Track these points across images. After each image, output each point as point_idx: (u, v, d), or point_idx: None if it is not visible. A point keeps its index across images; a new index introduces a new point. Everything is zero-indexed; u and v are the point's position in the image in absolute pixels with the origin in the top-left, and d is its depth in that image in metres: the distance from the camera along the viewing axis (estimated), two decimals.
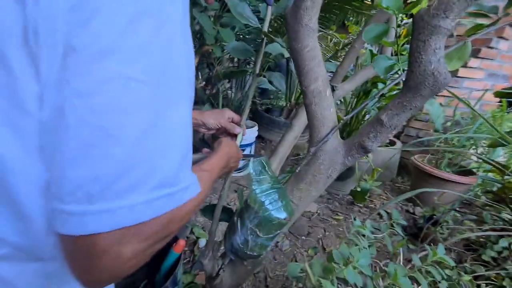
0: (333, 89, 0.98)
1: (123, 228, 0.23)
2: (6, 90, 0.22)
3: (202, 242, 1.32)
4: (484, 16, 0.76)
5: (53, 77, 0.21)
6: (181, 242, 0.80)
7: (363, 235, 0.74)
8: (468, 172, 1.81)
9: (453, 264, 0.57)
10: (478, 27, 0.75)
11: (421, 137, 2.32)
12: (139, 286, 0.85)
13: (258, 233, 0.58)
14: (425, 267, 0.59)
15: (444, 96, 2.17)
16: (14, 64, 0.21)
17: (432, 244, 1.11)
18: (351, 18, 2.30)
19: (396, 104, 0.52)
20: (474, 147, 1.89)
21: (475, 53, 2.05)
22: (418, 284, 0.69)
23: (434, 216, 1.41)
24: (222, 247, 0.83)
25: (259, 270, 1.23)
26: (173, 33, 0.25)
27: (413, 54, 0.48)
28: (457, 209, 1.31)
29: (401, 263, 0.72)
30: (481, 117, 0.79)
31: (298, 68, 0.61)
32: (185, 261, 1.22)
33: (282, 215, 0.58)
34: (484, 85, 2.15)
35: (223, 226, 1.29)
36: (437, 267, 0.59)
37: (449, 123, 2.04)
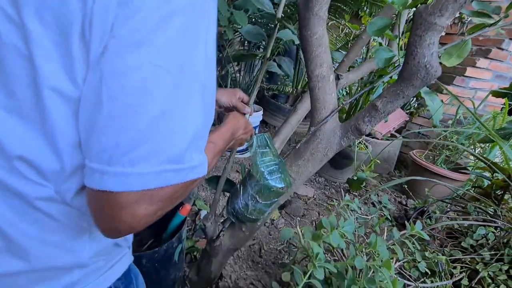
0: (338, 77, 1.03)
1: (136, 191, 0.28)
2: (67, 67, 0.28)
3: (204, 213, 1.41)
4: (487, 16, 0.79)
5: (95, 60, 0.26)
6: (187, 207, 0.89)
7: (355, 210, 0.82)
8: (462, 170, 1.87)
9: (427, 238, 0.64)
10: (480, 26, 0.78)
11: (423, 133, 2.36)
12: (147, 243, 0.95)
13: (257, 199, 0.66)
14: (403, 240, 0.67)
15: (448, 94, 2.19)
16: (74, 51, 0.27)
17: None
18: (365, 9, 2.29)
19: (390, 92, 0.58)
20: (472, 146, 1.94)
21: (485, 54, 2.05)
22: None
23: (424, 208, 1.49)
24: (223, 216, 0.91)
25: (255, 243, 1.32)
26: (198, 38, 0.30)
27: (410, 47, 0.53)
28: (446, 200, 1.38)
29: (384, 238, 0.80)
30: (473, 115, 0.84)
31: (306, 53, 0.66)
32: (187, 229, 1.32)
33: (280, 184, 0.65)
34: (490, 86, 2.16)
35: (223, 201, 1.37)
36: (413, 240, 0.67)
37: (450, 121, 2.08)
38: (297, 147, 0.71)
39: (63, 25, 0.26)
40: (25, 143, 0.30)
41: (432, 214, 1.37)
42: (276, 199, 0.68)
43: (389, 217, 1.01)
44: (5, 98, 0.29)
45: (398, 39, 0.64)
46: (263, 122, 2.71)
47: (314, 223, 1.60)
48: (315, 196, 1.86)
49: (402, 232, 0.67)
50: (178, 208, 0.88)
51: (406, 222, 1.55)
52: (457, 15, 2.10)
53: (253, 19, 1.71)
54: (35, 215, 0.32)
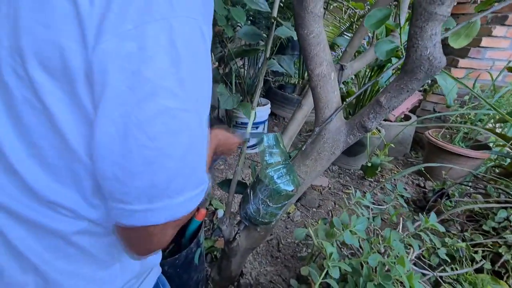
0: (342, 68, 1.00)
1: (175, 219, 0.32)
2: (83, 117, 0.29)
3: (220, 213, 1.44)
4: None
5: (111, 108, 0.27)
6: (202, 211, 0.91)
7: (368, 206, 0.81)
8: (483, 147, 1.79)
9: (443, 230, 0.63)
10: (488, 2, 0.73)
11: (438, 111, 2.27)
12: (168, 248, 0.99)
13: (268, 203, 0.67)
14: (419, 233, 0.66)
15: (463, 68, 2.09)
16: (84, 101, 0.28)
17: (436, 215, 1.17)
18: None
19: (394, 87, 0.56)
20: (492, 120, 1.85)
21: (502, 20, 1.92)
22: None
23: (444, 190, 1.45)
24: (238, 216, 0.94)
25: (272, 237, 1.35)
26: (204, 67, 0.32)
27: (411, 39, 0.51)
28: (464, 183, 1.34)
29: (400, 231, 0.80)
30: (478, 96, 0.80)
31: (305, 52, 0.65)
32: (205, 229, 1.36)
33: (290, 187, 0.66)
34: (509, 56, 2.03)
35: (238, 198, 1.40)
36: (428, 232, 0.66)
37: (467, 97, 1.98)
38: (303, 148, 0.71)
39: (68, 75, 0.27)
40: (54, 190, 0.32)
41: (451, 197, 1.34)
42: (286, 201, 0.68)
43: (404, 204, 1.00)
44: (31, 148, 0.30)
45: (399, 28, 0.61)
46: (272, 114, 2.70)
47: (330, 213, 1.60)
48: (329, 186, 1.85)
49: (417, 224, 0.67)
50: (193, 213, 0.91)
51: (426, 205, 1.53)
52: None
53: (252, 14, 1.68)
54: (68, 250, 0.34)
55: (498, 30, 1.93)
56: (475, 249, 0.91)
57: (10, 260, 0.33)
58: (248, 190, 0.73)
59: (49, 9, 0.26)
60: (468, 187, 1.31)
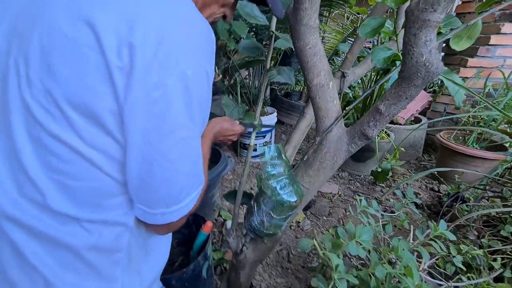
0: (343, 75, 1.00)
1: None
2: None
3: (229, 224, 1.44)
4: None
5: (139, 141, 0.34)
6: (209, 224, 0.92)
7: (375, 214, 0.79)
8: (499, 147, 1.72)
9: (453, 238, 0.61)
10: (489, 2, 0.72)
11: (449, 112, 2.22)
12: (177, 261, 0.99)
13: (272, 214, 0.67)
14: (429, 242, 0.64)
15: (473, 67, 2.04)
16: (114, 133, 0.34)
17: (451, 221, 1.13)
18: None
19: (392, 94, 0.56)
20: (506, 120, 1.78)
21: (510, 18, 1.88)
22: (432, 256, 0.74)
23: (458, 194, 1.40)
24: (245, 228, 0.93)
25: (282, 248, 1.33)
26: (207, 98, 0.39)
27: (406, 47, 0.50)
28: (479, 186, 1.29)
29: (411, 239, 0.77)
30: (486, 101, 0.78)
31: (302, 63, 0.66)
32: (215, 241, 1.36)
33: (293, 198, 0.65)
34: None
35: (245, 208, 1.40)
36: (437, 241, 0.64)
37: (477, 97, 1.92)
38: (305, 158, 0.71)
39: (97, 116, 0.33)
40: (70, 207, 0.35)
41: (467, 201, 1.29)
42: (291, 213, 0.68)
43: (416, 210, 0.97)
44: (52, 172, 0.34)
45: (396, 35, 0.61)
46: (279, 122, 2.70)
47: (341, 221, 1.57)
48: (339, 192, 1.82)
49: (427, 233, 0.65)
50: (201, 226, 0.91)
51: (440, 209, 1.47)
52: None
53: (254, 28, 1.71)
54: (77, 264, 0.37)
55: (507, 27, 1.88)
56: (494, 256, 0.87)
57: (21, 273, 0.36)
58: (252, 202, 0.73)
59: (83, 60, 0.31)
60: (484, 190, 1.26)
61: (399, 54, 0.61)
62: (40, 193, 0.34)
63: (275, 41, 0.83)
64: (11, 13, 0.34)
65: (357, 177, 2.01)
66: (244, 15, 0.79)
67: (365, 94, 0.68)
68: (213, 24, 0.54)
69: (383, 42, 1.87)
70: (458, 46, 0.71)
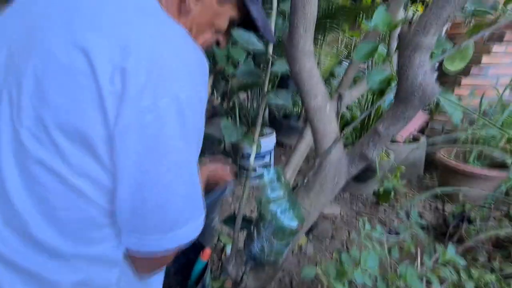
0: (340, 97, 1.01)
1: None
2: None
3: (229, 249, 1.39)
4: (486, 13, 0.75)
5: (131, 165, 0.33)
6: (207, 251, 0.88)
7: (380, 238, 0.77)
8: (501, 165, 1.71)
9: (463, 263, 0.58)
10: (479, 27, 0.75)
11: (448, 130, 2.23)
12: None
13: (272, 240, 0.64)
14: (438, 266, 0.61)
15: (467, 85, 2.07)
16: (104, 159, 0.33)
17: (458, 242, 1.09)
18: (362, 15, 2.29)
19: (390, 115, 0.55)
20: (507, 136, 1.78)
21: (499, 39, 1.94)
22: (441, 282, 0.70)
23: (464, 214, 1.36)
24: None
25: (284, 274, 1.27)
26: (200, 121, 0.37)
27: (401, 69, 0.51)
28: (485, 205, 1.26)
29: (419, 265, 0.74)
30: (483, 119, 0.78)
31: (299, 87, 0.66)
32: (214, 268, 1.30)
33: (294, 223, 0.63)
34: None
35: (245, 234, 1.35)
36: (447, 266, 0.61)
37: (477, 116, 1.94)
38: (305, 180, 0.69)
39: (88, 142, 0.32)
40: (57, 240, 0.34)
41: (473, 221, 1.25)
42: (292, 238, 0.65)
43: (421, 233, 0.94)
44: (39, 203, 0.33)
45: (390, 57, 0.62)
46: (278, 143, 2.70)
47: (345, 244, 1.51)
48: (342, 214, 1.78)
49: (435, 257, 0.62)
50: (199, 253, 0.88)
51: (448, 231, 1.43)
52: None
53: (252, 53, 1.76)
54: None
55: (497, 47, 1.94)
56: (508, 280, 0.82)
57: None
58: (252, 227, 0.70)
59: (76, 87, 0.31)
60: (490, 209, 1.23)
61: (394, 75, 0.62)
62: (24, 222, 0.33)
63: (272, 65, 0.85)
64: (8, 39, 0.35)
65: (359, 197, 1.97)
66: (241, 41, 0.82)
67: (361, 117, 0.68)
68: (208, 49, 0.55)
69: (377, 64, 1.92)
70: (452, 67, 0.72)
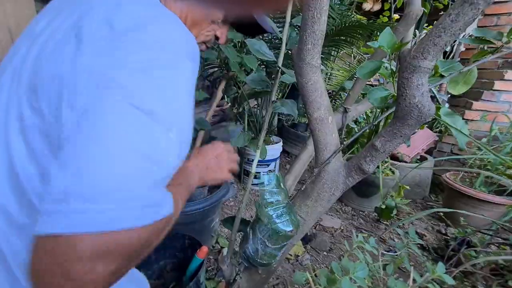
0: (345, 110, 1.04)
1: (97, 232, 0.27)
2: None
3: (226, 251, 1.41)
4: (489, 42, 0.77)
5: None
6: (204, 249, 0.91)
7: (372, 251, 0.78)
8: (508, 192, 1.68)
9: (451, 282, 0.59)
10: (484, 53, 0.77)
11: (455, 153, 2.20)
12: (169, 287, 0.97)
13: (267, 243, 0.66)
14: (426, 284, 0.62)
15: (478, 110, 2.06)
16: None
17: (456, 266, 1.08)
18: (377, 32, 2.32)
19: (388, 132, 0.58)
20: None
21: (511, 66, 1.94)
22: None
23: (465, 238, 1.35)
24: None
25: (279, 282, 1.28)
26: (183, 100, 0.37)
27: (399, 89, 0.54)
28: (486, 231, 1.25)
29: (411, 282, 0.74)
30: (481, 145, 0.79)
31: (304, 98, 0.70)
32: (210, 269, 1.32)
33: (289, 227, 0.65)
34: None
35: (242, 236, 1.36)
36: (435, 284, 0.61)
37: (484, 139, 1.93)
38: (303, 188, 0.72)
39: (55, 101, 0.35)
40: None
41: (474, 246, 1.24)
42: (286, 242, 0.68)
43: (417, 251, 0.94)
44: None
45: (392, 75, 0.65)
46: (284, 151, 2.73)
47: (341, 258, 1.51)
48: (342, 228, 1.77)
49: (425, 277, 0.62)
50: (196, 251, 0.90)
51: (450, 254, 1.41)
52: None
53: (265, 62, 1.82)
54: None
55: (510, 74, 1.93)
56: None
57: None
58: (248, 229, 0.73)
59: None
60: (490, 235, 1.21)
61: (395, 94, 0.65)
62: None
63: (281, 75, 0.89)
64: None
65: (360, 213, 1.96)
66: (253, 51, 0.86)
67: (360, 132, 0.71)
68: (206, 44, 0.57)
69: (383, 82, 1.94)
70: (455, 90, 0.74)
